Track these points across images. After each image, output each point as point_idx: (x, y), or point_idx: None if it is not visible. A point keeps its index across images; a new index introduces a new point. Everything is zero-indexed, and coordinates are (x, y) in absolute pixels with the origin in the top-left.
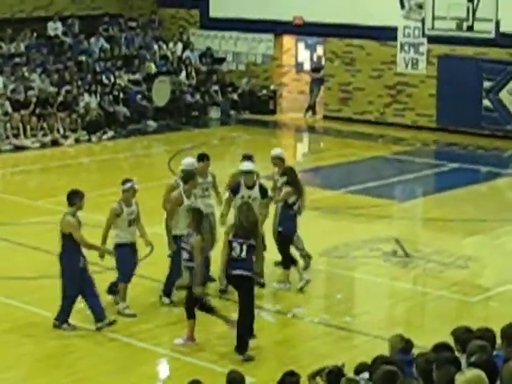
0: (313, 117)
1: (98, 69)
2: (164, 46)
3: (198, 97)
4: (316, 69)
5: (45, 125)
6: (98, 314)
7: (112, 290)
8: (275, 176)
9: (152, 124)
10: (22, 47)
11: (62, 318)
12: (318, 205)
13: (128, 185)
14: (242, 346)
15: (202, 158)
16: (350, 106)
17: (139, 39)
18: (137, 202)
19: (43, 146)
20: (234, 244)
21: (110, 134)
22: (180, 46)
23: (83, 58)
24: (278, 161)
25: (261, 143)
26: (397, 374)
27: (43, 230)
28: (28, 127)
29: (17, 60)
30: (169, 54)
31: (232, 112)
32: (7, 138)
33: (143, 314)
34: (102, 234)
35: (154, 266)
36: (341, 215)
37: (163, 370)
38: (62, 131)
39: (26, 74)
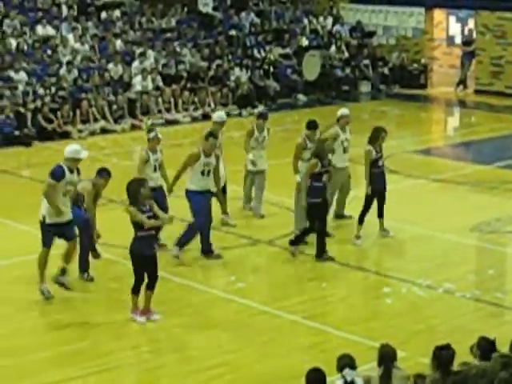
0: (464, 91)
1: (248, 43)
2: (314, 20)
3: (348, 71)
4: (467, 42)
5: (196, 99)
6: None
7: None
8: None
9: (302, 98)
10: (173, 22)
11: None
12: (469, 179)
13: (152, 134)
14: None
15: (310, 125)
16: (501, 79)
17: (289, 13)
18: (161, 150)
19: (194, 119)
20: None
21: (260, 108)
22: (330, 19)
23: (233, 32)
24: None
25: (411, 118)
26: None
27: None
28: (179, 101)
29: (168, 35)
30: (319, 28)
31: (382, 86)
32: (159, 112)
33: (290, 288)
34: None
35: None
36: (492, 190)
37: (313, 342)
38: (212, 105)
39: (177, 48)
